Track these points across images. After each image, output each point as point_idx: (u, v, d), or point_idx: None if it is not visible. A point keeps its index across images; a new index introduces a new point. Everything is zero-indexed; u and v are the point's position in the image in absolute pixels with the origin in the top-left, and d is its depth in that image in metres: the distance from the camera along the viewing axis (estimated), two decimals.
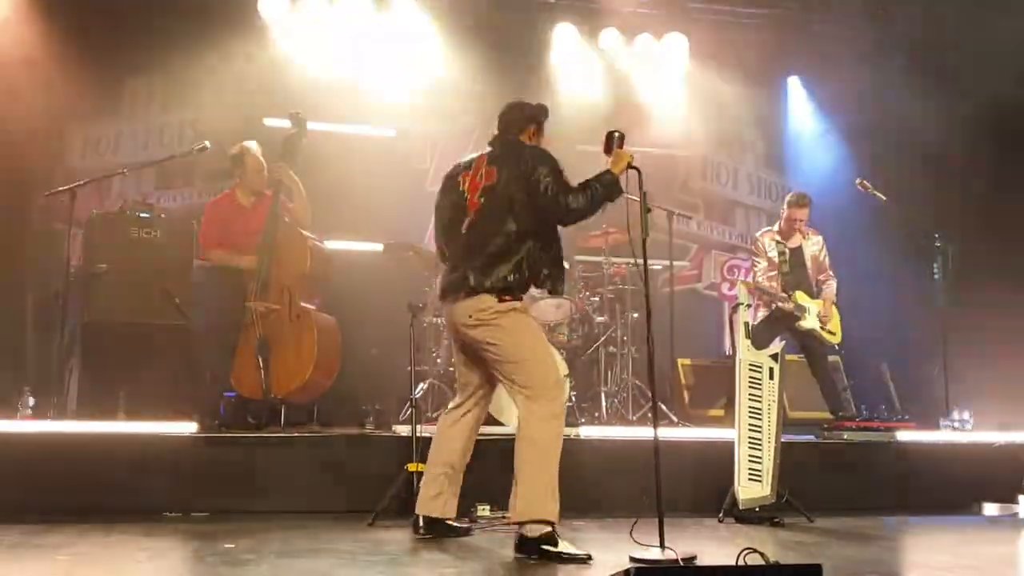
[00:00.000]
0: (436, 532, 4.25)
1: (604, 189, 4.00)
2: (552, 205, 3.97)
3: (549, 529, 3.86)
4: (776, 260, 6.55)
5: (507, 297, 4.00)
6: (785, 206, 6.75)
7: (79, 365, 6.09)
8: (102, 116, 7.83)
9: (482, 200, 4.10)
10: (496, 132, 4.35)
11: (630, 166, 4.09)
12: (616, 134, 4.15)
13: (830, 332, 6.62)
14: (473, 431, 4.31)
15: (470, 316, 4.02)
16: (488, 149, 4.28)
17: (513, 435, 4.06)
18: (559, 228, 4.18)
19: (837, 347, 6.80)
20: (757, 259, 6.75)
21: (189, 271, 6.53)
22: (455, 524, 4.35)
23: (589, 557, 3.85)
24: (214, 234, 6.08)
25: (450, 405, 4.42)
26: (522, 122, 4.30)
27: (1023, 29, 7.01)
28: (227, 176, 6.37)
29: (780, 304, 6.46)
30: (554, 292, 4.27)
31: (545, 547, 3.84)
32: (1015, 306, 6.99)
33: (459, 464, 4.26)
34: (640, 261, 4.02)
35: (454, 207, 4.22)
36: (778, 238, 6.68)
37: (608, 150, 4.13)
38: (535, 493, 3.88)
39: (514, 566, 3.82)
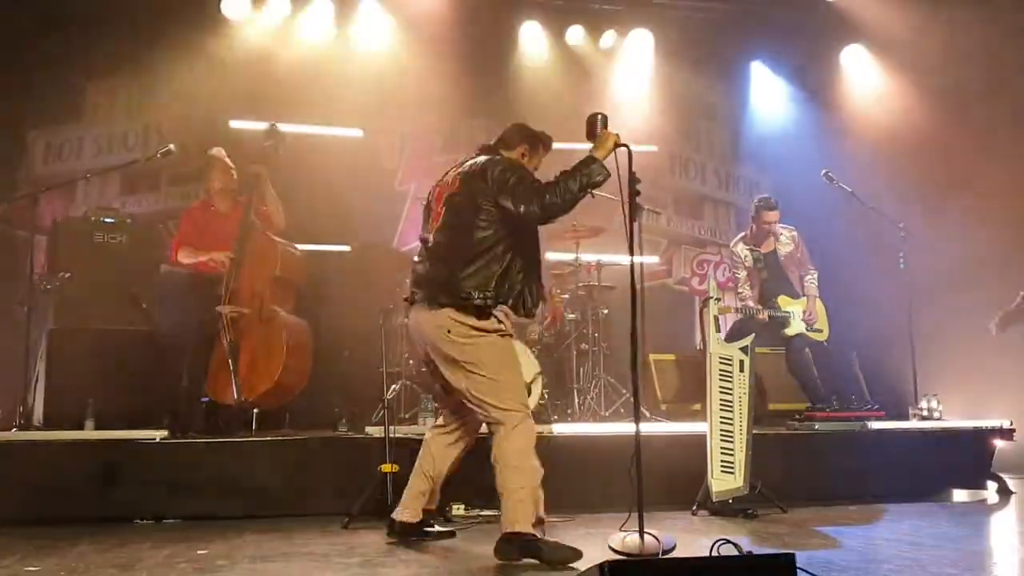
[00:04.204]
0: (411, 535, 4.22)
1: (583, 177, 3.80)
2: (525, 211, 3.81)
3: (536, 533, 3.77)
4: (753, 268, 6.55)
5: (480, 314, 3.85)
6: (754, 210, 6.67)
7: (45, 373, 6.00)
8: (65, 121, 7.72)
9: (443, 209, 4.01)
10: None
11: (617, 145, 3.87)
12: (600, 116, 3.96)
13: (817, 331, 6.58)
14: (462, 455, 4.24)
15: (448, 332, 3.86)
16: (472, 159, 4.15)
17: (484, 435, 4.02)
18: (538, 232, 4.03)
19: (825, 343, 6.69)
20: (737, 271, 6.66)
21: (156, 276, 6.48)
22: (431, 529, 4.31)
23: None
24: (189, 241, 6.02)
25: (438, 421, 4.32)
26: (515, 140, 4.19)
27: (985, 17, 7.12)
28: (194, 179, 6.31)
29: (758, 317, 6.37)
30: (527, 315, 4.02)
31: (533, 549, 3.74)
32: (980, 294, 7.09)
33: (441, 481, 4.23)
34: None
35: (427, 219, 4.14)
36: (752, 244, 6.64)
37: (591, 134, 3.94)
38: (525, 505, 3.77)
39: (486, 566, 3.80)
